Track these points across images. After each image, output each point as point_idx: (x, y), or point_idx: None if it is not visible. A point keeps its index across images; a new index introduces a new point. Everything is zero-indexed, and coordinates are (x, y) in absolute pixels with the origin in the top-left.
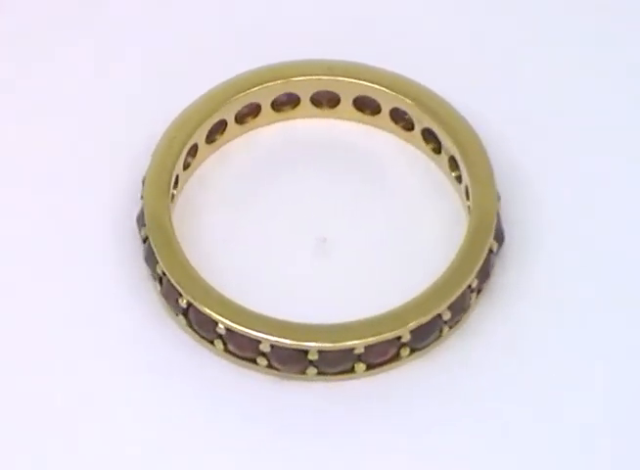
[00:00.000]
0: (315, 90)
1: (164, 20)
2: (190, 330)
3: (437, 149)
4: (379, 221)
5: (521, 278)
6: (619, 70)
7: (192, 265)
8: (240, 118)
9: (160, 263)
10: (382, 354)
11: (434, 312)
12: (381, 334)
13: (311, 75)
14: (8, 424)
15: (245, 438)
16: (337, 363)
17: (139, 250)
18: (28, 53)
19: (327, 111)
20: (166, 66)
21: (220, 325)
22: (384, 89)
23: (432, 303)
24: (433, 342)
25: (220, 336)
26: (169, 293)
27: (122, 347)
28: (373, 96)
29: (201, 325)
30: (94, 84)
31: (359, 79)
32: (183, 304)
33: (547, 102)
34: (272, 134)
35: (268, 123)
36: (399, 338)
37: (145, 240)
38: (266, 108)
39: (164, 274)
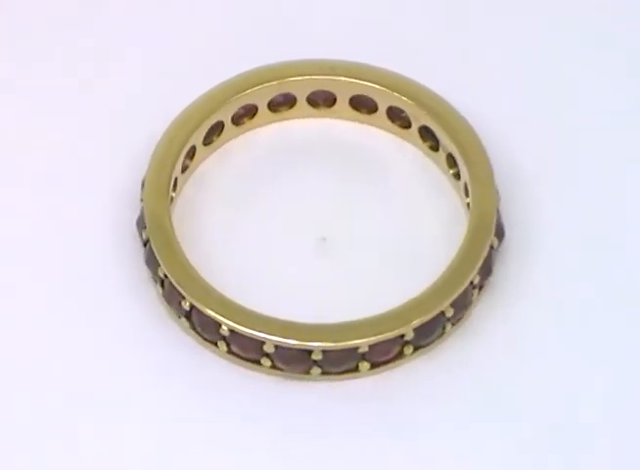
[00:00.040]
0: (311, 90)
1: (164, 20)
2: (193, 332)
3: (435, 146)
4: (378, 220)
5: (521, 274)
6: (619, 70)
7: (194, 268)
8: (236, 120)
9: (162, 266)
10: (385, 353)
11: (438, 310)
12: (385, 332)
13: (307, 75)
14: (8, 424)
15: (250, 438)
16: (341, 363)
17: (139, 250)
18: (28, 53)
19: (323, 110)
20: (166, 66)
21: (224, 327)
22: (380, 88)
23: (435, 300)
24: (436, 339)
25: (224, 337)
26: (171, 296)
27: (124, 349)
28: (369, 95)
29: (204, 327)
30: (94, 84)
31: (355, 78)
32: (186, 306)
33: (547, 102)
34: (269, 135)
35: (265, 124)
36: (403, 336)
37: (145, 243)
38: (263, 109)
39: (166, 277)
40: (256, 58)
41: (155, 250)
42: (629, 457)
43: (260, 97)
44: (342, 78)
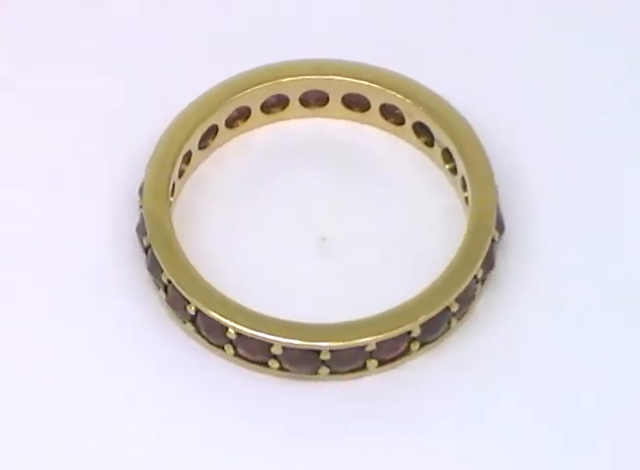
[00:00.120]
0: (304, 90)
1: (164, 20)
2: (198, 337)
3: (430, 142)
4: (377, 217)
5: (522, 268)
6: (619, 70)
7: (197, 272)
8: (230, 123)
9: (166, 272)
10: (393, 350)
11: (443, 305)
12: (392, 330)
13: (299, 76)
14: (8, 424)
15: (259, 440)
16: (349, 361)
17: (139, 249)
18: (28, 53)
19: (316, 110)
20: (166, 66)
21: (231, 330)
22: (372, 85)
23: (440, 295)
24: (441, 335)
25: (231, 341)
26: (176, 300)
27: (127, 352)
28: (362, 93)
29: (210, 331)
30: (94, 84)
31: (347, 77)
32: (191, 311)
33: (547, 102)
34: (264, 136)
35: (258, 126)
36: (410, 332)
37: (147, 249)
38: (256, 110)
39: (170, 282)
40: (256, 58)
41: (157, 256)
42: (629, 457)
43: (253, 99)
44: (334, 77)
